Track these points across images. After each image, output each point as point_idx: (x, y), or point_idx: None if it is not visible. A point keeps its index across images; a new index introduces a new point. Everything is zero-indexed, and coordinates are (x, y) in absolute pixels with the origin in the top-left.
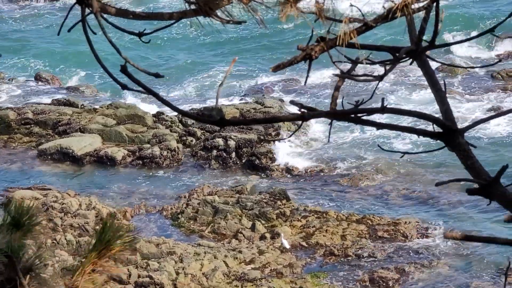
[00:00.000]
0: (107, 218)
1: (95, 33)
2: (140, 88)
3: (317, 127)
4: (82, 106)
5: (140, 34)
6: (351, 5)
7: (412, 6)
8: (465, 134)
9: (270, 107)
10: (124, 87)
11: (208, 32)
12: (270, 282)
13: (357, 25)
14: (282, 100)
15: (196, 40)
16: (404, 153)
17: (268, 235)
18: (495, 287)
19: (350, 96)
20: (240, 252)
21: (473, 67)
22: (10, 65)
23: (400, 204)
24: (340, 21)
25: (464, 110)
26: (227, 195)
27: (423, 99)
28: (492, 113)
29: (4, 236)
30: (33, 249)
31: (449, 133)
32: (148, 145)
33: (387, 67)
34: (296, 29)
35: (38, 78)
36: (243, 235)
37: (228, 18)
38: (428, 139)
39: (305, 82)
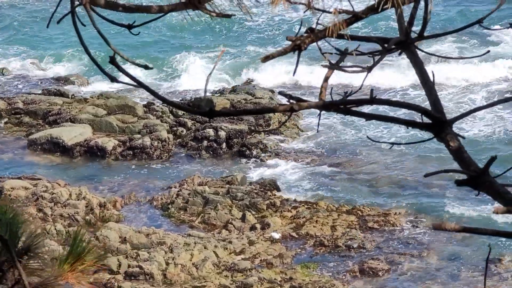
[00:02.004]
0: (78, 230)
1: (84, 25)
2: (130, 81)
3: (307, 118)
4: (73, 96)
5: (129, 26)
6: None
7: None
8: (454, 125)
9: (261, 98)
10: (114, 79)
11: (197, 23)
12: (260, 272)
13: (346, 16)
14: (272, 91)
15: (184, 30)
16: (393, 143)
17: (258, 226)
18: (483, 275)
19: (339, 87)
20: (230, 242)
21: (462, 58)
22: (1, 55)
23: (390, 195)
24: (329, 12)
25: (454, 100)
26: (217, 186)
27: (415, 93)
28: (481, 104)
29: None
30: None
31: (438, 124)
32: (139, 136)
33: (376, 58)
34: (286, 21)
35: (29, 67)
36: (233, 226)
37: (217, 11)
38: (418, 130)
39: (294, 72)
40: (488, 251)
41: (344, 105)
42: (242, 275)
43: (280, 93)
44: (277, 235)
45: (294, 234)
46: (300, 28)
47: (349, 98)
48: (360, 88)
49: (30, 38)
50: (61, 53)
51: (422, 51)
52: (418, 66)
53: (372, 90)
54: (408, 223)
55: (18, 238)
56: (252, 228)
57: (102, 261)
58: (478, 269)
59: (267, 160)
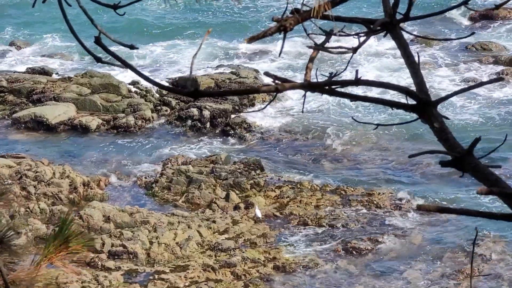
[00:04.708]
0: (67, 214)
1: (70, 5)
2: (115, 61)
3: (292, 98)
4: (57, 75)
5: (115, 6)
6: None
7: None
8: (439, 106)
9: (245, 77)
10: (99, 59)
11: (183, 3)
12: (243, 252)
13: None
14: (257, 71)
15: (168, 10)
16: (378, 124)
17: (242, 205)
18: (466, 257)
19: (325, 68)
20: (214, 222)
21: (447, 39)
22: None
23: (374, 175)
24: None
25: (438, 82)
26: (201, 165)
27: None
28: (466, 85)
29: None
30: (6, 218)
31: (422, 105)
32: (123, 114)
33: (361, 39)
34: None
35: (13, 45)
36: (217, 205)
37: None
38: (403, 111)
39: (280, 53)
40: (475, 234)
41: (329, 86)
42: (225, 255)
43: (266, 73)
44: (259, 213)
45: (277, 213)
46: (286, 9)
47: (334, 79)
48: (345, 69)
49: (16, 15)
50: (47, 30)
51: (408, 32)
52: (403, 47)
53: (357, 70)
54: (392, 203)
55: None
56: (236, 207)
57: (89, 245)
58: (461, 250)
59: (250, 139)
